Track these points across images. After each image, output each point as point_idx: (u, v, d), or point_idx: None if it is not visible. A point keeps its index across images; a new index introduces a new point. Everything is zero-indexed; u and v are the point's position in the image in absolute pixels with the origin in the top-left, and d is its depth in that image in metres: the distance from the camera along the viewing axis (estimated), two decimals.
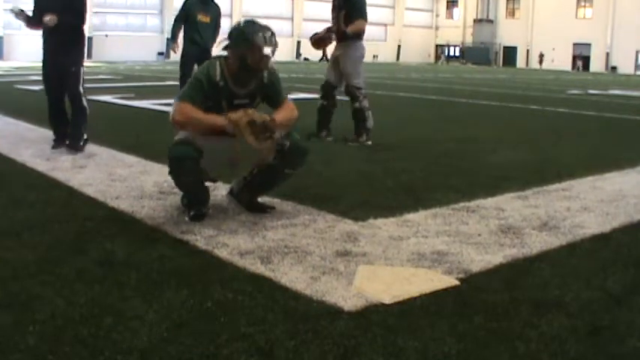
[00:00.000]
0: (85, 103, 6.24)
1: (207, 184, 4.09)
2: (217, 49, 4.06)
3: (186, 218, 3.94)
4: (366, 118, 7.33)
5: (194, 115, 3.77)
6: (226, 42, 3.88)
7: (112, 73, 23.25)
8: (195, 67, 9.45)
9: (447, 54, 64.91)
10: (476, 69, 45.66)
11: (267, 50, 3.77)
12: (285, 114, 3.98)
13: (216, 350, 2.29)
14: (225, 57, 3.90)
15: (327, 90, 7.55)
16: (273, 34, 3.85)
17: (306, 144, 4.20)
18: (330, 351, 2.31)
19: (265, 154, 3.90)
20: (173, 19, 9.54)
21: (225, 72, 3.86)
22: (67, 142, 6.17)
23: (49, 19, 5.85)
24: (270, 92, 4.02)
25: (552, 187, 5.14)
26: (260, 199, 4.27)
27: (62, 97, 6.22)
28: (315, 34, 7.67)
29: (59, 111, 6.27)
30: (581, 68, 53.61)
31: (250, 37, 3.75)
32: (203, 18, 9.08)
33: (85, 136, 6.21)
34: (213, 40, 9.27)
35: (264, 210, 4.17)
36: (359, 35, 7.41)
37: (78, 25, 6.11)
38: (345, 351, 2.31)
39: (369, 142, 7.27)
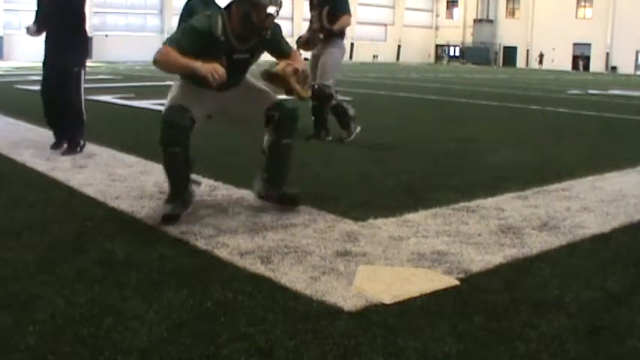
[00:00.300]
0: (83, 109, 6.14)
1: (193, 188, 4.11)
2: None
3: (159, 215, 3.88)
4: (345, 109, 7.25)
5: (173, 56, 3.76)
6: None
7: (112, 73, 23.26)
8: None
9: (448, 54, 64.85)
10: (476, 69, 45.66)
11: (271, 9, 3.81)
12: (303, 64, 4.03)
13: (216, 350, 2.29)
14: (227, 11, 3.90)
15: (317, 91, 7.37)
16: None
17: (295, 108, 4.19)
18: (330, 351, 2.31)
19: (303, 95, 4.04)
20: (177, 20, 9.55)
21: (227, 26, 3.86)
22: (65, 146, 6.11)
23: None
24: (274, 46, 4.04)
25: (552, 187, 5.14)
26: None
27: (58, 99, 6.14)
28: (300, 37, 7.52)
29: (55, 112, 6.17)
30: (581, 68, 53.62)
31: None
32: None
33: (82, 142, 6.17)
34: None
35: (296, 201, 4.19)
36: (342, 33, 7.26)
37: (78, 26, 6.08)
38: (345, 351, 2.31)
39: (359, 128, 7.25)
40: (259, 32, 3.88)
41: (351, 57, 57.11)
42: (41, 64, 6.24)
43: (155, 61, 3.85)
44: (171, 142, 3.86)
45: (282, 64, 3.93)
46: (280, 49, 4.08)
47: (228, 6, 3.91)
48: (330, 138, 7.37)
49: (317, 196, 4.60)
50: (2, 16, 41.62)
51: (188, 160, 3.99)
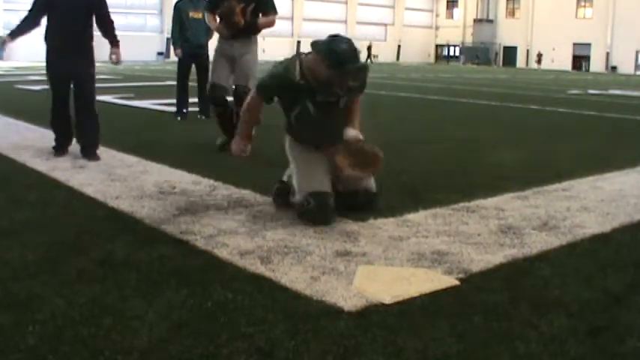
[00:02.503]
0: (97, 109, 6.08)
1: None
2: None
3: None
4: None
5: (247, 114, 4.19)
6: (314, 48, 3.84)
7: (112, 73, 23.24)
8: (193, 66, 9.49)
9: (465, 55, 64.16)
10: (476, 69, 45.66)
11: (352, 84, 3.82)
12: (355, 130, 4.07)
13: (216, 350, 2.29)
14: (306, 56, 3.88)
15: (220, 94, 6.49)
16: (363, 66, 3.89)
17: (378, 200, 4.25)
18: (330, 351, 2.31)
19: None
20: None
21: (305, 70, 3.84)
22: (81, 150, 5.98)
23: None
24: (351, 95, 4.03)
25: (552, 187, 5.14)
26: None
27: (68, 104, 6.06)
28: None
29: (65, 117, 6.05)
30: (586, 68, 53.61)
31: (344, 65, 3.72)
32: (195, 14, 9.09)
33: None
34: (207, 36, 9.23)
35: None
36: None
37: (90, 27, 6.00)
38: (345, 351, 2.31)
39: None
40: (333, 95, 3.87)
41: None
42: (45, 64, 6.08)
43: (244, 106, 4.22)
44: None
45: (339, 161, 3.91)
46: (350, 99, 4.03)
47: (309, 52, 3.88)
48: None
49: None
50: (2, 16, 41.62)
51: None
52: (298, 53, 4.00)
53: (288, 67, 3.90)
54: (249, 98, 4.18)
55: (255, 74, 6.29)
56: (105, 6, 6.04)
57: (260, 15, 6.35)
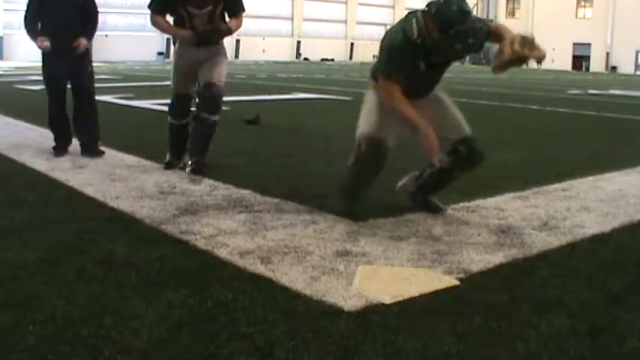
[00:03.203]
0: (97, 106, 6.10)
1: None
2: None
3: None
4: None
5: (398, 98, 3.82)
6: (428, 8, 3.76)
7: (112, 73, 23.25)
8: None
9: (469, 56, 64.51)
10: (476, 69, 45.64)
11: (458, 46, 3.76)
12: (510, 32, 4.13)
13: (216, 350, 2.29)
14: (422, 15, 3.79)
15: (186, 105, 5.72)
16: (470, 29, 3.78)
17: (481, 148, 4.19)
18: (330, 351, 2.31)
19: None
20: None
21: (423, 29, 3.74)
22: (83, 148, 6.00)
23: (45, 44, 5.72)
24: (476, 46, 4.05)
25: (552, 187, 5.14)
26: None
27: (65, 99, 6.10)
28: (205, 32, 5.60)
29: (65, 117, 6.10)
30: (586, 69, 53.64)
31: (450, 28, 3.65)
32: None
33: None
34: None
35: (437, 209, 4.25)
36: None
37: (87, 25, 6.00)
38: (345, 351, 2.31)
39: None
40: (446, 57, 3.90)
41: (351, 57, 57.16)
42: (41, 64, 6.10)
43: (394, 100, 3.84)
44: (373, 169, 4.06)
45: (506, 48, 3.93)
46: (482, 40, 3.97)
47: (422, 13, 3.78)
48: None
49: (317, 196, 4.60)
50: (2, 16, 41.63)
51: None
52: (414, 12, 3.84)
53: (404, 30, 3.76)
54: (384, 87, 3.89)
55: (225, 75, 5.69)
56: (94, 5, 6.03)
57: (228, 17, 5.73)
